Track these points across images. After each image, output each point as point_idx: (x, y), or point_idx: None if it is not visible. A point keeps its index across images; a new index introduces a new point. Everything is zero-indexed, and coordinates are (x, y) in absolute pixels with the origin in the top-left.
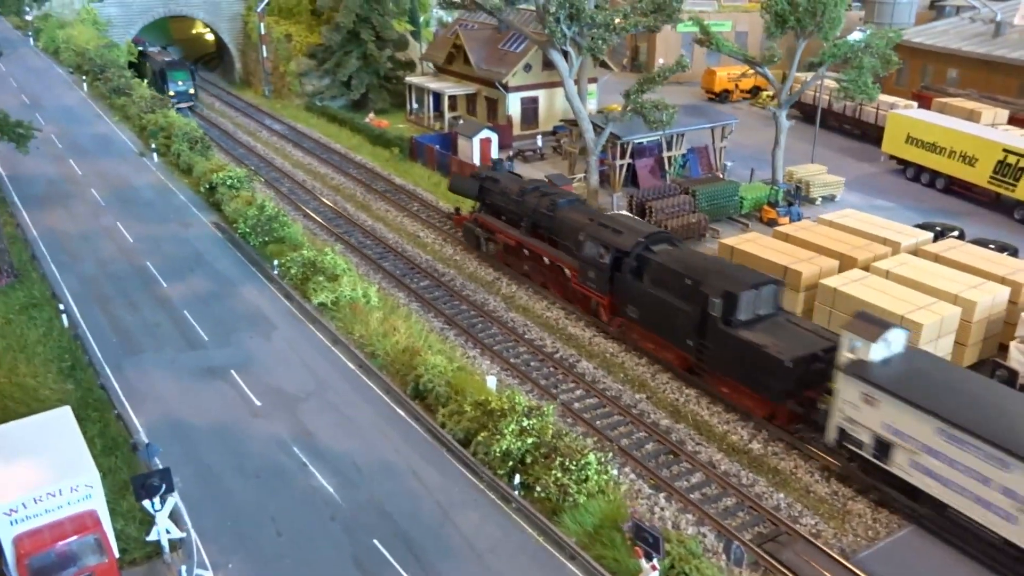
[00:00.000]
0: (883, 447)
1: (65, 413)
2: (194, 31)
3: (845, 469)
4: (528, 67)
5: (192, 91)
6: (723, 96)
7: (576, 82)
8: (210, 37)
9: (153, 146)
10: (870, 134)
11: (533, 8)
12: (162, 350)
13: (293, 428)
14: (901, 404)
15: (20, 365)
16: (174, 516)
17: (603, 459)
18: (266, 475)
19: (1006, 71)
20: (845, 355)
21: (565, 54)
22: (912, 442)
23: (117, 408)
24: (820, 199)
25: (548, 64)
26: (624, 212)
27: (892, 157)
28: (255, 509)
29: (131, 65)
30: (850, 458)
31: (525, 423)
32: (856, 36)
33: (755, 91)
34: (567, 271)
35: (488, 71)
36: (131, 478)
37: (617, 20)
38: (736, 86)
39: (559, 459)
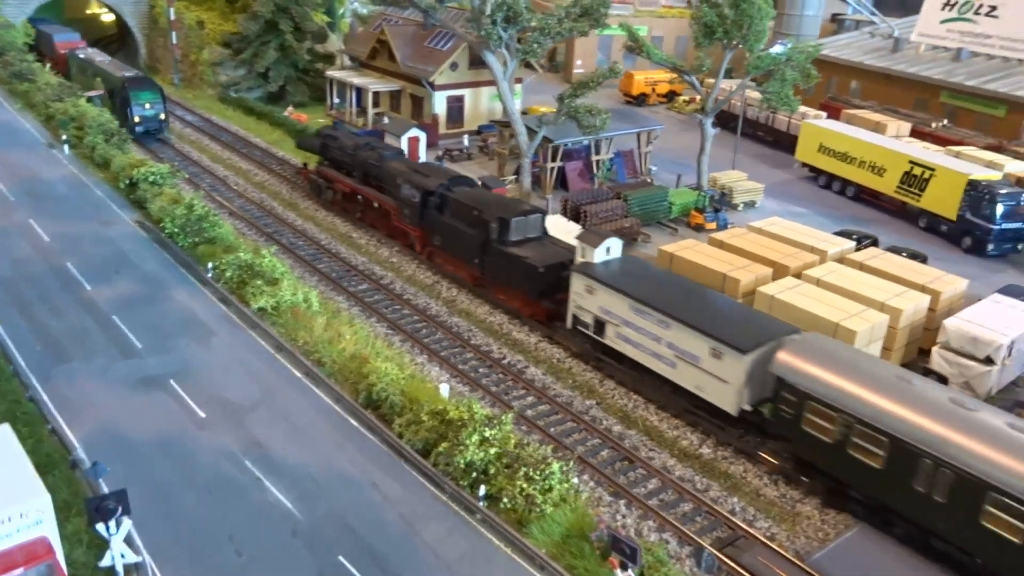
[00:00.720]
0: (599, 325)
1: (4, 431)
2: (89, 11)
3: (580, 348)
4: (455, 66)
5: (163, 116)
6: (640, 100)
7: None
8: (107, 19)
9: (64, 137)
10: (782, 142)
11: (460, 7)
12: (93, 359)
13: (242, 440)
14: (609, 290)
15: None
16: (127, 539)
17: (565, 468)
18: (219, 490)
19: (904, 85)
20: (578, 259)
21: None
22: (616, 318)
23: (51, 423)
24: (742, 205)
25: (475, 63)
26: (559, 215)
27: (805, 165)
28: (211, 527)
29: (29, 48)
30: (593, 345)
31: (487, 433)
32: (777, 49)
33: (671, 96)
34: (391, 212)
35: (414, 68)
36: (85, 501)
37: (552, 23)
38: (652, 90)
39: (523, 469)
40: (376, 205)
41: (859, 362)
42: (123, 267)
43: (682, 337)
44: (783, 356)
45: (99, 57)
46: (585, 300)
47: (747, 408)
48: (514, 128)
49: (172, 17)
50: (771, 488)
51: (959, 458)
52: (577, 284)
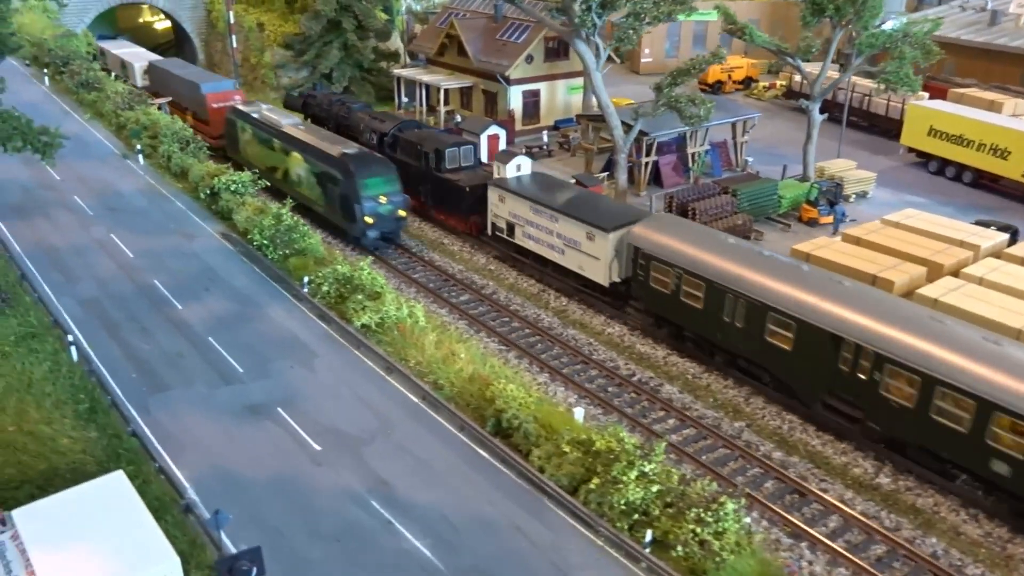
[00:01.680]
0: (511, 228)
1: (119, 480)
2: (141, 19)
3: (500, 252)
4: (530, 58)
5: (403, 212)
6: (716, 87)
7: (582, 74)
8: (160, 26)
9: (138, 147)
10: (879, 126)
11: None
12: (192, 385)
13: (365, 477)
14: (515, 196)
15: (29, 409)
16: None
17: (737, 506)
18: (348, 538)
19: (1006, 60)
20: (495, 175)
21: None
22: (521, 219)
23: (157, 460)
24: (853, 196)
25: (550, 55)
26: (663, 212)
27: (911, 150)
28: None
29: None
30: (507, 247)
31: (646, 468)
32: (890, 25)
33: (747, 82)
34: None
35: (487, 63)
36: (216, 561)
37: (648, 7)
38: (729, 77)
39: (693, 510)
40: None
41: (691, 230)
42: (213, 283)
43: (567, 227)
44: (636, 229)
45: (287, 120)
46: (499, 208)
47: (617, 280)
48: (608, 122)
49: (231, 21)
50: (972, 525)
51: (751, 290)
52: (492, 195)
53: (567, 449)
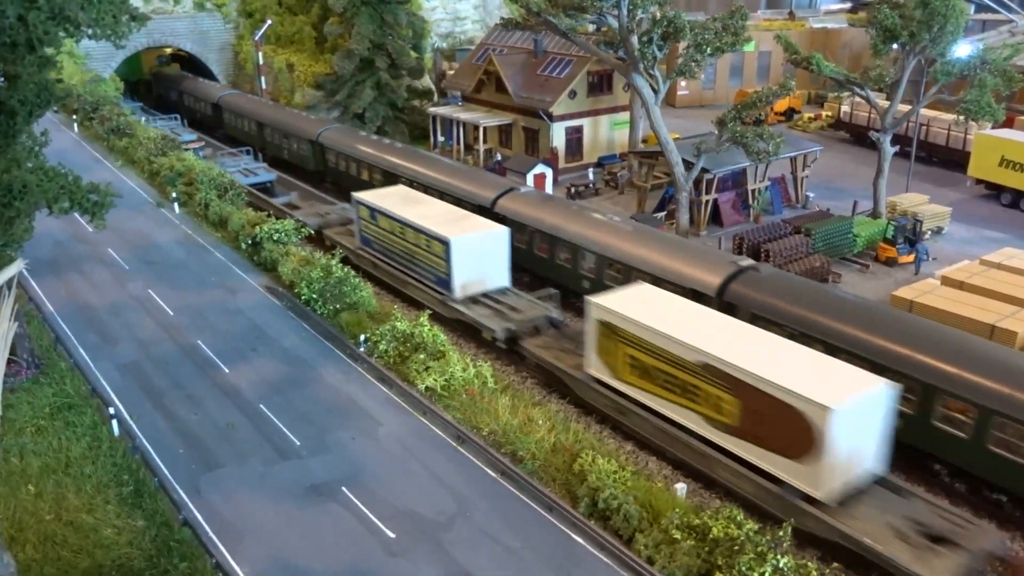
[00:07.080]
0: None
1: None
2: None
3: None
4: (573, 94)
5: None
6: (757, 120)
7: (627, 109)
8: None
9: (173, 195)
10: (939, 156)
11: (585, 31)
12: (246, 462)
13: (447, 570)
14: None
15: (68, 493)
16: None
17: None
18: None
19: None
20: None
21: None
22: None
23: (214, 555)
24: (928, 232)
25: (593, 90)
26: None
27: (979, 182)
28: None
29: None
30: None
31: (780, 562)
32: (967, 52)
33: (789, 113)
34: None
35: (529, 99)
36: None
37: (709, 37)
38: (771, 108)
39: None
40: None
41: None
42: (260, 343)
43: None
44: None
45: None
46: None
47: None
48: (668, 158)
49: (260, 62)
50: None
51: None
52: None
53: (678, 535)
